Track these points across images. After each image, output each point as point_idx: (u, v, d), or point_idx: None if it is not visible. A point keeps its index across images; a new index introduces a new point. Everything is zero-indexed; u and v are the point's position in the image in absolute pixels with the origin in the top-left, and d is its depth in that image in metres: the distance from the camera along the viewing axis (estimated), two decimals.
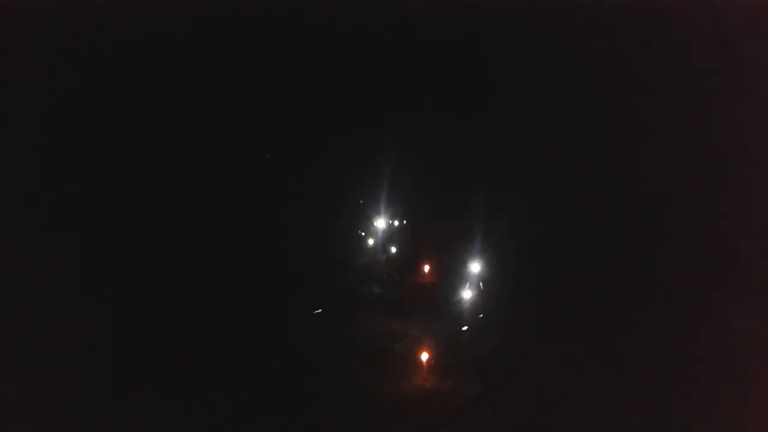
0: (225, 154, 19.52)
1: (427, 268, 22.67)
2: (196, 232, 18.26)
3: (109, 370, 14.68)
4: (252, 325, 17.26)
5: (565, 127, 18.89)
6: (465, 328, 18.89)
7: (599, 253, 18.01)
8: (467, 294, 20.06)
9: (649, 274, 17.32)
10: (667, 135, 17.36)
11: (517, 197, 18.99)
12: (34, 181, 16.13)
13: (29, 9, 15.06)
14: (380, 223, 24.46)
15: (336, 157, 21.52)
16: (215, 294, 17.48)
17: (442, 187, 22.05)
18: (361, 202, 23.56)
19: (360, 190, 23.06)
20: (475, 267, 20.35)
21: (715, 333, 15.64)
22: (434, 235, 22.61)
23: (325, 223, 21.57)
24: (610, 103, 18.14)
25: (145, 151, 17.96)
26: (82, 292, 15.86)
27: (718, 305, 16.08)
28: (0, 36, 15.10)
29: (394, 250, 24.32)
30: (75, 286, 15.88)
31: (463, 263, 20.46)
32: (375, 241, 24.61)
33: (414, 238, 23.78)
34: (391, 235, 24.66)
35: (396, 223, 24.84)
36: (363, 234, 24.51)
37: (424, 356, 17.48)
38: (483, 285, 20.12)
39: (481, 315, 19.32)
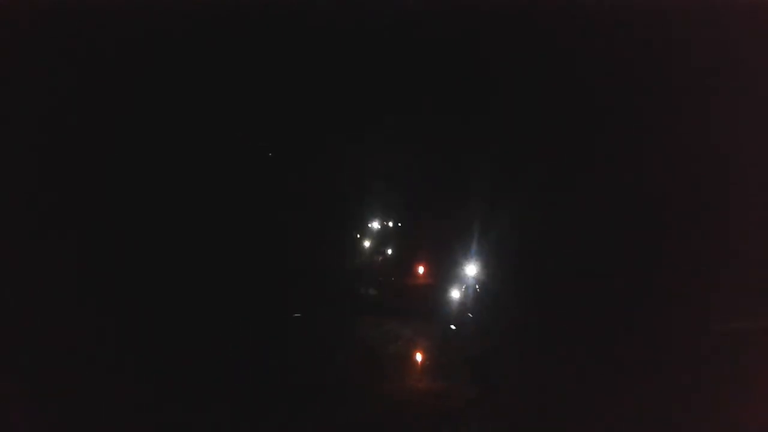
0: (225, 154, 19.55)
1: (423, 269, 22.71)
2: (195, 232, 18.30)
3: (109, 370, 14.71)
4: (248, 325, 17.31)
5: (564, 127, 18.91)
6: (453, 327, 18.89)
7: (599, 253, 18.04)
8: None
9: (649, 274, 17.33)
10: (667, 135, 17.35)
11: (516, 197, 19.03)
12: (34, 181, 16.14)
13: (29, 9, 15.06)
14: (376, 223, 24.45)
15: (333, 157, 21.55)
16: (214, 294, 17.52)
17: (440, 187, 22.08)
18: (358, 202, 23.57)
19: (357, 190, 23.08)
20: (472, 267, 20.38)
21: (716, 333, 15.66)
22: (431, 235, 22.64)
23: (321, 224, 21.59)
24: (610, 103, 18.14)
25: (145, 151, 17.98)
26: (82, 292, 15.88)
27: (718, 305, 16.09)
28: (0, 36, 15.10)
29: (390, 251, 24.32)
30: (75, 286, 15.90)
31: (460, 264, 20.49)
32: (371, 242, 24.59)
33: (410, 239, 23.78)
34: (387, 236, 24.64)
35: (392, 223, 24.82)
36: (358, 235, 24.50)
37: (419, 357, 17.52)
38: (481, 285, 20.15)
39: (470, 315, 19.32)
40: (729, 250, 16.54)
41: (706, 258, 16.75)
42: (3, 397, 13.44)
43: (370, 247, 24.53)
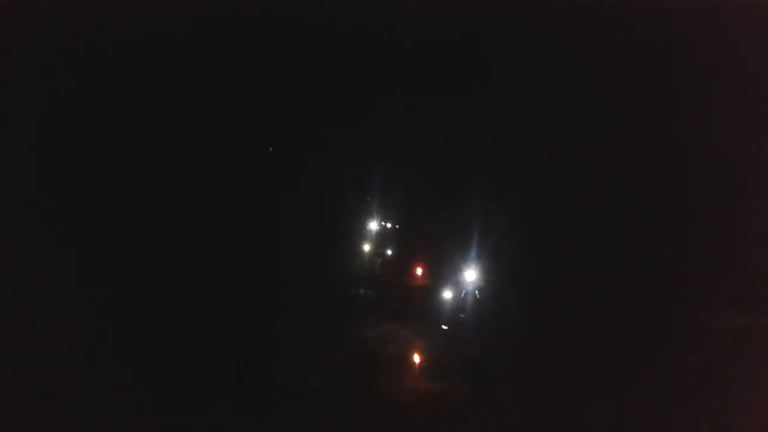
0: (225, 154, 19.54)
1: (422, 270, 22.65)
2: (194, 232, 18.29)
3: (109, 370, 14.71)
4: (247, 326, 17.30)
5: (564, 127, 18.91)
6: (445, 327, 18.86)
7: (598, 253, 18.03)
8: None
9: (649, 274, 17.33)
10: (667, 135, 17.36)
11: (516, 197, 19.01)
12: (34, 181, 16.14)
13: (29, 9, 15.06)
14: (375, 224, 24.37)
15: (332, 158, 21.52)
16: (213, 295, 17.51)
17: (440, 188, 22.03)
18: (358, 203, 23.49)
19: (357, 191, 23.03)
20: (471, 267, 20.30)
21: (716, 333, 15.66)
22: (430, 236, 22.58)
23: (320, 225, 21.56)
24: (610, 103, 18.14)
25: (144, 151, 17.98)
26: (82, 291, 15.88)
27: (718, 305, 16.10)
28: (0, 36, 15.10)
29: (389, 252, 24.21)
30: (75, 286, 15.90)
31: (459, 264, 20.43)
32: (370, 243, 24.47)
33: (409, 240, 23.70)
34: (386, 237, 24.55)
35: (391, 224, 24.72)
36: (358, 236, 24.39)
37: (417, 358, 17.50)
38: (480, 286, 20.11)
39: (469, 315, 19.28)
40: (729, 250, 16.55)
41: (707, 258, 16.75)
42: (3, 397, 13.43)
43: (369, 248, 24.44)
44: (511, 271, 19.60)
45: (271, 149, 21.43)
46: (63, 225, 16.43)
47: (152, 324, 16.25)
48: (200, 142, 18.94)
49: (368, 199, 23.23)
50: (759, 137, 15.69)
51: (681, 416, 14.13)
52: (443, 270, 20.99)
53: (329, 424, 14.85)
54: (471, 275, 20.10)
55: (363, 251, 24.25)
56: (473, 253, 20.09)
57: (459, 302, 19.95)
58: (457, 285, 20.20)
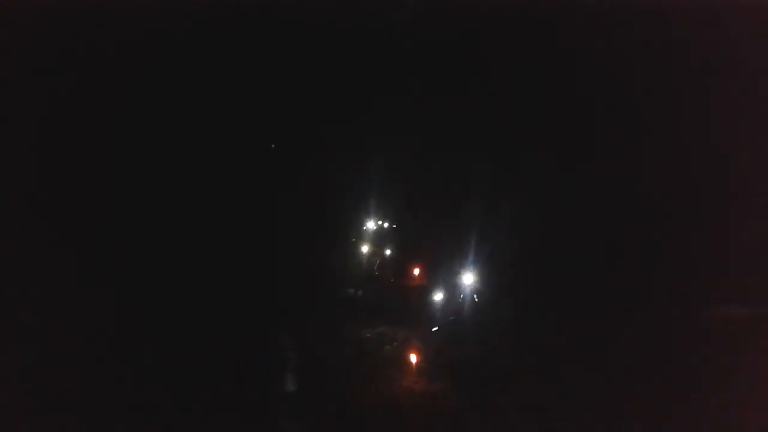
0: (224, 154, 19.54)
1: (421, 271, 22.56)
2: (194, 232, 18.28)
3: (109, 370, 14.71)
4: (244, 326, 17.30)
5: (564, 127, 18.90)
6: (435, 329, 18.81)
7: (598, 254, 18.03)
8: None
9: (649, 274, 17.33)
10: (667, 135, 17.35)
11: (516, 197, 19.00)
12: (34, 181, 16.15)
13: (29, 9, 15.06)
14: (373, 224, 24.28)
15: (331, 157, 21.50)
16: (212, 295, 17.50)
17: (438, 188, 21.98)
18: (357, 203, 23.41)
19: (354, 191, 22.97)
20: (469, 269, 20.21)
21: (716, 333, 15.66)
22: (429, 237, 22.51)
23: (317, 225, 21.52)
24: (610, 103, 18.13)
25: (144, 151, 17.98)
26: (82, 291, 15.88)
27: (718, 305, 16.09)
28: (0, 36, 15.10)
29: (388, 252, 24.08)
30: (75, 286, 15.90)
31: (457, 264, 20.36)
32: (368, 244, 24.36)
33: (407, 241, 23.61)
34: (384, 237, 24.45)
35: (389, 224, 24.61)
36: (355, 237, 24.28)
37: (414, 358, 17.49)
38: (478, 286, 20.04)
39: (467, 316, 19.22)
40: (729, 251, 16.55)
41: (707, 258, 16.75)
42: (3, 397, 13.43)
43: (368, 248, 24.33)
44: (510, 273, 19.57)
45: (273, 146, 21.38)
46: (63, 225, 16.43)
47: (152, 324, 16.25)
48: (199, 142, 18.94)
49: (366, 198, 23.19)
50: (759, 137, 15.70)
51: (681, 416, 14.13)
52: (442, 271, 20.95)
53: (327, 424, 14.86)
54: (469, 277, 20.05)
55: (361, 251, 24.17)
56: (472, 254, 20.06)
57: (456, 304, 19.91)
58: (456, 287, 20.16)
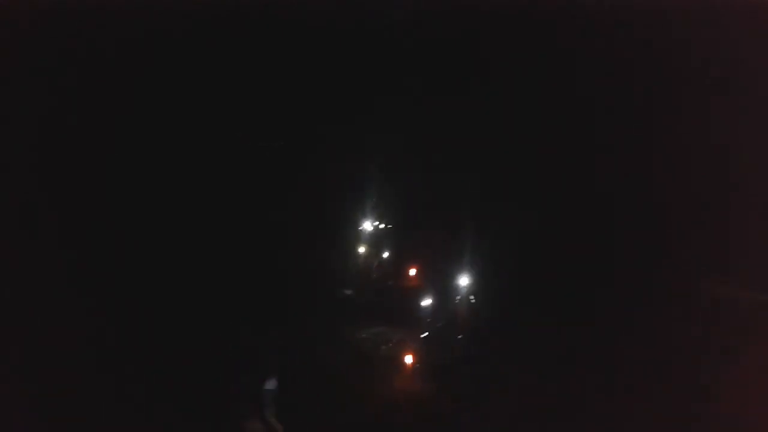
0: (224, 154, 19.54)
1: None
2: (192, 232, 18.28)
3: (109, 370, 14.72)
4: (241, 327, 17.30)
5: (564, 127, 18.90)
6: (425, 334, 18.81)
7: (598, 254, 18.03)
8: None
9: (649, 274, 17.32)
10: (667, 135, 17.35)
11: (515, 197, 18.99)
12: (34, 181, 16.16)
13: (29, 9, 15.07)
14: (371, 225, 24.19)
15: (329, 158, 21.48)
16: (211, 296, 17.51)
17: (437, 188, 21.94)
18: (354, 203, 23.33)
19: (351, 191, 22.91)
20: (467, 270, 20.13)
21: (716, 333, 15.66)
22: (427, 238, 22.46)
23: (315, 226, 21.48)
24: (610, 103, 18.13)
25: (144, 151, 17.99)
26: (82, 292, 15.89)
27: (718, 305, 16.09)
28: (0, 36, 15.10)
29: (386, 255, 23.95)
30: (75, 286, 15.91)
31: (455, 267, 20.30)
32: (365, 245, 24.26)
33: (405, 242, 23.52)
34: (382, 238, 24.35)
35: (387, 225, 24.51)
36: (353, 238, 24.19)
37: (409, 359, 17.50)
38: (475, 286, 19.97)
39: (440, 324, 19.18)
40: (729, 251, 16.56)
41: (707, 258, 16.76)
42: (3, 397, 13.44)
43: (365, 249, 24.21)
44: (508, 273, 19.55)
45: (282, 144, 21.30)
46: (63, 225, 16.44)
47: (151, 323, 16.27)
48: (198, 142, 18.95)
49: (365, 199, 23.13)
50: (759, 137, 15.70)
51: (681, 416, 14.13)
52: (440, 273, 20.90)
53: (325, 424, 14.87)
54: (465, 279, 19.98)
55: (358, 253, 24.07)
56: (470, 255, 20.01)
57: (452, 306, 19.87)
58: (453, 288, 20.11)
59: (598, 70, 18.04)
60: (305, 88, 20.12)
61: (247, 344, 16.91)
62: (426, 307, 20.07)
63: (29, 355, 14.21)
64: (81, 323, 15.09)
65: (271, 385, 15.68)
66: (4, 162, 15.36)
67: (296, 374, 16.53)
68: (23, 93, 15.69)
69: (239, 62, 19.10)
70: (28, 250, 15.43)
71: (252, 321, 17.72)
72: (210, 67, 18.74)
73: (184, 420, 14.01)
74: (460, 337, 18.59)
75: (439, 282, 20.54)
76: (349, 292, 21.85)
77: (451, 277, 20.17)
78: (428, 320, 19.45)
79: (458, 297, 19.95)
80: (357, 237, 24.35)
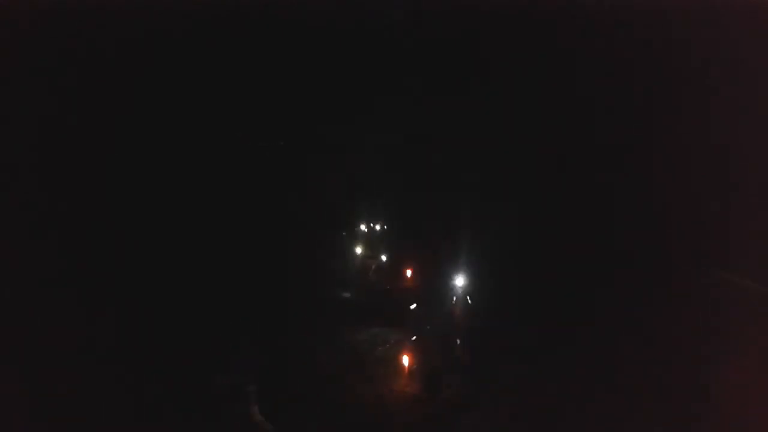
0: (224, 154, 19.53)
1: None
2: (191, 233, 18.24)
3: (109, 370, 14.69)
4: (239, 329, 17.29)
5: (564, 128, 18.90)
6: (414, 338, 18.80)
7: (598, 254, 18.00)
8: (453, 300, 19.87)
9: (649, 274, 17.31)
10: (667, 135, 17.35)
11: (516, 198, 18.97)
12: (34, 181, 16.13)
13: (29, 9, 15.05)
14: (368, 227, 24.05)
15: (330, 159, 21.47)
16: (208, 297, 17.49)
17: (436, 189, 21.88)
18: (352, 205, 23.22)
19: (349, 193, 22.86)
20: (463, 272, 20.01)
21: (716, 333, 15.64)
22: (425, 240, 22.36)
23: (314, 229, 21.45)
24: (610, 103, 18.13)
25: (144, 151, 17.97)
26: (82, 292, 15.86)
27: (718, 305, 16.08)
28: (0, 36, 15.08)
29: (384, 257, 23.74)
30: (75, 286, 15.88)
31: (451, 269, 20.19)
32: (363, 247, 24.08)
33: (403, 244, 23.37)
34: (379, 241, 24.17)
35: (384, 227, 24.34)
36: (351, 240, 24.05)
37: (406, 360, 17.49)
38: (471, 287, 19.87)
39: (462, 319, 19.14)
40: (730, 251, 16.55)
41: (707, 259, 16.75)
42: (3, 398, 13.41)
43: (364, 252, 24.06)
44: (507, 270, 19.50)
45: (282, 143, 21.27)
46: (63, 224, 16.42)
47: (151, 323, 16.24)
48: (198, 142, 18.94)
49: (363, 200, 23.07)
50: (759, 137, 15.70)
51: (681, 417, 14.13)
52: (437, 275, 20.81)
53: (321, 424, 14.84)
54: (462, 280, 19.90)
55: (357, 254, 23.94)
56: (467, 257, 19.93)
57: (448, 307, 19.81)
58: (449, 290, 20.03)
59: (598, 70, 18.06)
60: (305, 89, 20.14)
61: (241, 344, 16.89)
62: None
63: (21, 350, 14.20)
64: (75, 322, 15.08)
65: (263, 384, 15.69)
66: (4, 161, 15.33)
67: (293, 374, 16.50)
68: (23, 93, 15.67)
69: (238, 62, 19.12)
70: (29, 250, 15.41)
71: (248, 322, 17.70)
72: (209, 67, 18.75)
73: (175, 419, 13.97)
74: (456, 337, 18.57)
75: (436, 284, 20.49)
76: (347, 294, 21.82)
77: (448, 278, 20.12)
78: (425, 322, 19.43)
79: (454, 298, 19.91)
80: (355, 240, 24.27)
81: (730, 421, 13.51)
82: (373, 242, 24.31)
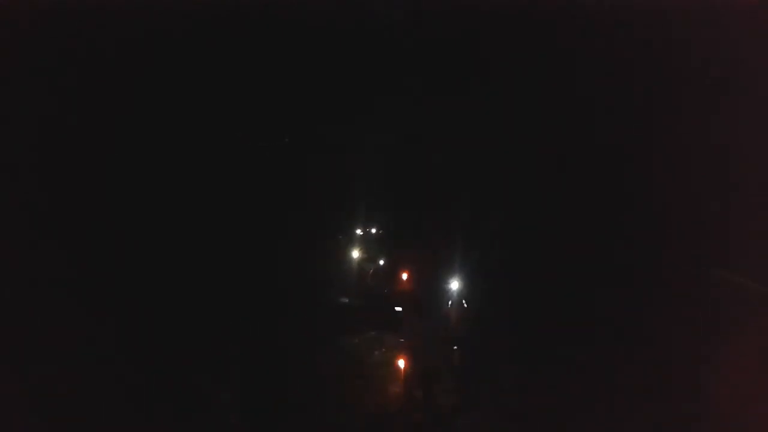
0: (224, 154, 19.50)
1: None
2: (190, 234, 18.22)
3: (108, 370, 14.70)
4: (236, 332, 17.25)
5: (564, 128, 18.88)
6: (401, 340, 18.79)
7: (598, 255, 17.98)
8: (449, 304, 19.81)
9: (649, 274, 17.29)
10: (667, 135, 17.33)
11: (515, 199, 18.94)
12: (34, 181, 16.15)
13: (29, 9, 15.07)
14: (365, 230, 23.95)
15: (329, 161, 21.41)
16: (209, 299, 17.46)
17: (435, 190, 21.81)
18: (350, 207, 23.10)
19: (349, 195, 22.76)
20: (460, 276, 19.96)
21: (716, 333, 15.62)
22: (423, 243, 22.28)
23: (312, 232, 21.37)
24: (610, 103, 18.11)
25: (145, 151, 17.97)
26: (82, 292, 15.87)
27: (718, 305, 16.06)
28: (0, 36, 15.10)
29: (381, 261, 23.65)
30: (75, 287, 15.89)
31: (450, 273, 20.14)
32: (360, 251, 23.98)
33: (401, 247, 23.28)
34: (376, 244, 24.06)
35: (382, 230, 24.23)
36: (349, 244, 23.94)
37: (402, 363, 17.48)
38: (467, 291, 19.81)
39: (460, 323, 19.05)
40: (730, 251, 16.53)
41: (707, 259, 16.73)
42: (3, 398, 13.42)
43: (359, 255, 23.93)
44: (507, 271, 19.47)
45: (286, 140, 21.15)
46: (64, 224, 16.43)
47: (150, 324, 16.24)
48: (197, 143, 18.93)
49: (361, 203, 22.96)
50: (759, 137, 15.68)
51: (681, 417, 14.11)
52: (435, 278, 20.74)
53: (318, 427, 14.83)
54: (458, 283, 19.84)
55: (355, 258, 23.82)
56: (463, 259, 19.88)
57: (444, 311, 19.75)
58: (445, 293, 19.97)
59: (598, 70, 18.04)
60: (305, 89, 20.11)
61: (236, 348, 16.85)
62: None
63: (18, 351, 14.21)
64: (75, 322, 15.09)
65: (256, 389, 15.65)
66: (4, 161, 15.35)
67: (289, 378, 16.48)
68: (23, 93, 15.68)
69: (238, 62, 19.11)
70: (29, 251, 15.42)
71: (243, 325, 17.66)
72: (209, 68, 18.75)
73: (168, 423, 13.99)
74: (453, 341, 18.55)
75: (433, 288, 20.44)
76: (345, 300, 21.75)
77: (445, 283, 20.07)
78: (423, 325, 19.41)
79: (450, 302, 19.88)
80: (353, 243, 24.17)
81: (731, 421, 13.50)
82: (370, 245, 24.19)
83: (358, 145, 21.20)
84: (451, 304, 20.00)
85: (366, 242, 24.20)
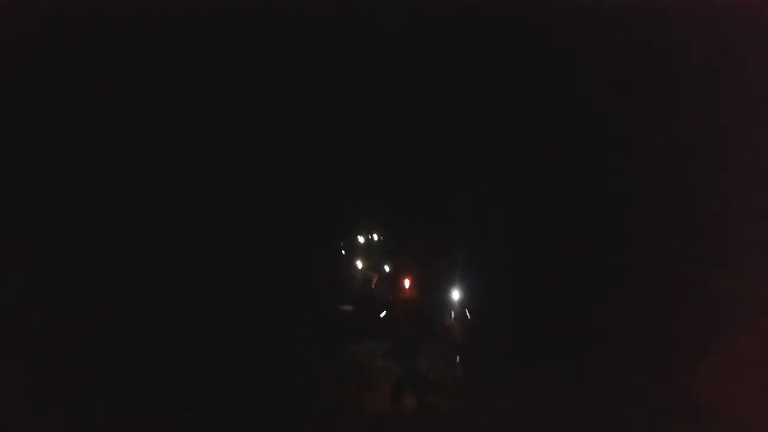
0: (225, 154, 19.50)
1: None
2: (190, 235, 18.22)
3: (108, 370, 14.74)
4: (240, 338, 17.26)
5: (564, 128, 18.88)
6: (404, 347, 18.79)
7: (598, 255, 17.99)
8: (450, 314, 19.81)
9: (650, 275, 17.30)
10: (667, 135, 17.36)
11: (515, 199, 18.94)
12: (34, 181, 16.18)
13: (29, 9, 15.10)
14: (370, 238, 23.91)
15: (329, 164, 21.38)
16: (209, 301, 17.47)
17: (434, 191, 21.80)
18: (350, 211, 23.05)
19: (347, 198, 22.73)
20: (462, 284, 19.92)
21: (716, 334, 15.64)
22: (425, 249, 22.27)
23: (312, 238, 21.36)
24: (610, 103, 18.13)
25: (145, 151, 17.99)
26: (82, 292, 15.90)
27: (718, 305, 16.09)
28: (0, 36, 15.14)
29: (386, 269, 23.59)
30: (75, 287, 15.91)
31: (452, 280, 20.11)
32: (365, 258, 23.96)
33: (405, 254, 23.26)
34: (378, 250, 24.01)
35: (387, 237, 24.19)
36: (352, 251, 23.90)
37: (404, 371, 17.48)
38: (471, 301, 19.79)
39: (463, 327, 19.05)
40: (729, 251, 16.56)
41: (707, 259, 16.76)
42: (3, 398, 13.46)
43: (365, 263, 23.87)
44: (507, 274, 19.44)
45: (287, 137, 21.08)
46: (64, 225, 16.47)
47: (149, 325, 16.27)
48: (201, 143, 18.95)
49: (360, 207, 22.91)
50: (759, 137, 15.71)
51: (681, 417, 14.13)
52: (439, 286, 20.70)
53: None
54: (459, 293, 19.80)
55: (358, 265, 23.72)
56: (466, 267, 19.82)
57: (450, 320, 19.74)
58: (451, 302, 19.95)
59: (598, 70, 18.04)
60: (305, 89, 20.12)
61: (238, 353, 16.85)
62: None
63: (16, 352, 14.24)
64: (74, 322, 15.12)
65: (260, 393, 15.64)
66: (4, 162, 15.40)
67: (290, 385, 16.48)
68: (23, 93, 15.72)
69: (238, 62, 19.12)
70: (29, 251, 15.47)
71: (245, 330, 17.66)
72: (209, 68, 18.76)
73: (165, 423, 14.01)
74: (456, 350, 18.56)
75: (437, 296, 20.39)
76: (348, 307, 21.72)
77: (450, 289, 20.02)
78: (426, 332, 19.40)
79: (453, 310, 19.86)
80: (356, 250, 24.12)
81: (731, 421, 13.52)
82: (374, 253, 24.13)
83: (358, 149, 21.18)
84: (455, 311, 19.99)
85: (369, 250, 24.17)
